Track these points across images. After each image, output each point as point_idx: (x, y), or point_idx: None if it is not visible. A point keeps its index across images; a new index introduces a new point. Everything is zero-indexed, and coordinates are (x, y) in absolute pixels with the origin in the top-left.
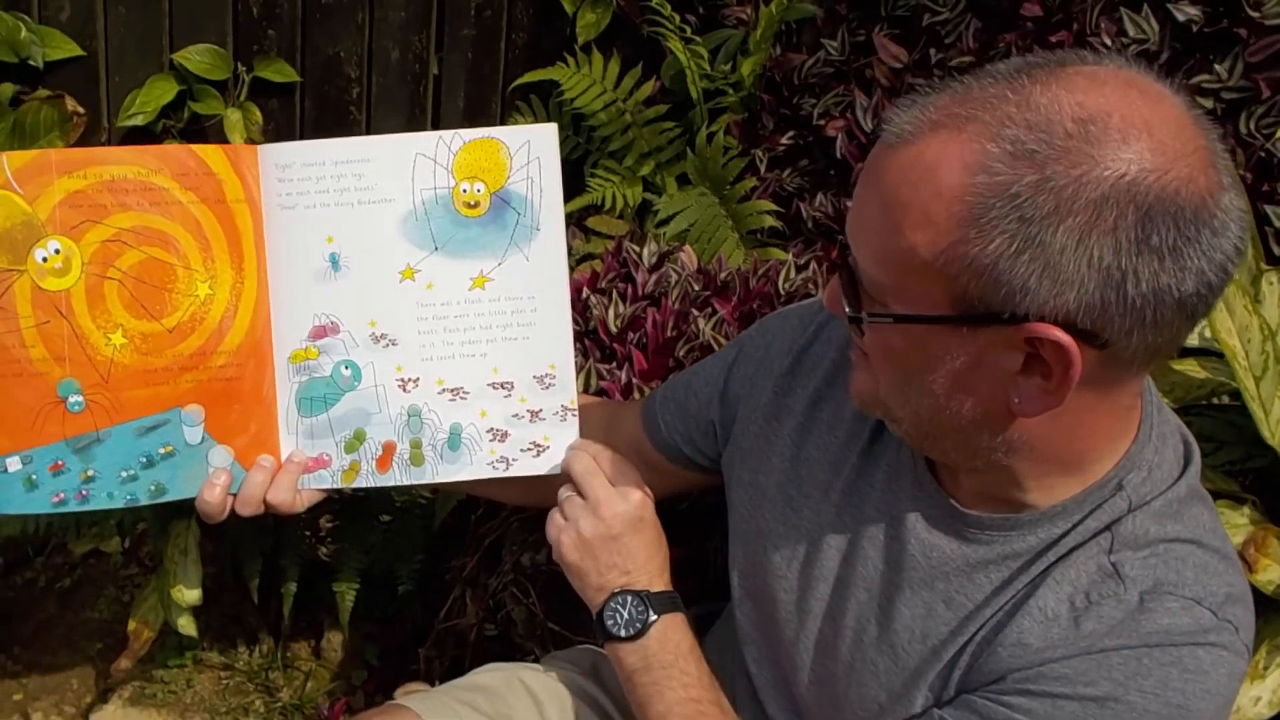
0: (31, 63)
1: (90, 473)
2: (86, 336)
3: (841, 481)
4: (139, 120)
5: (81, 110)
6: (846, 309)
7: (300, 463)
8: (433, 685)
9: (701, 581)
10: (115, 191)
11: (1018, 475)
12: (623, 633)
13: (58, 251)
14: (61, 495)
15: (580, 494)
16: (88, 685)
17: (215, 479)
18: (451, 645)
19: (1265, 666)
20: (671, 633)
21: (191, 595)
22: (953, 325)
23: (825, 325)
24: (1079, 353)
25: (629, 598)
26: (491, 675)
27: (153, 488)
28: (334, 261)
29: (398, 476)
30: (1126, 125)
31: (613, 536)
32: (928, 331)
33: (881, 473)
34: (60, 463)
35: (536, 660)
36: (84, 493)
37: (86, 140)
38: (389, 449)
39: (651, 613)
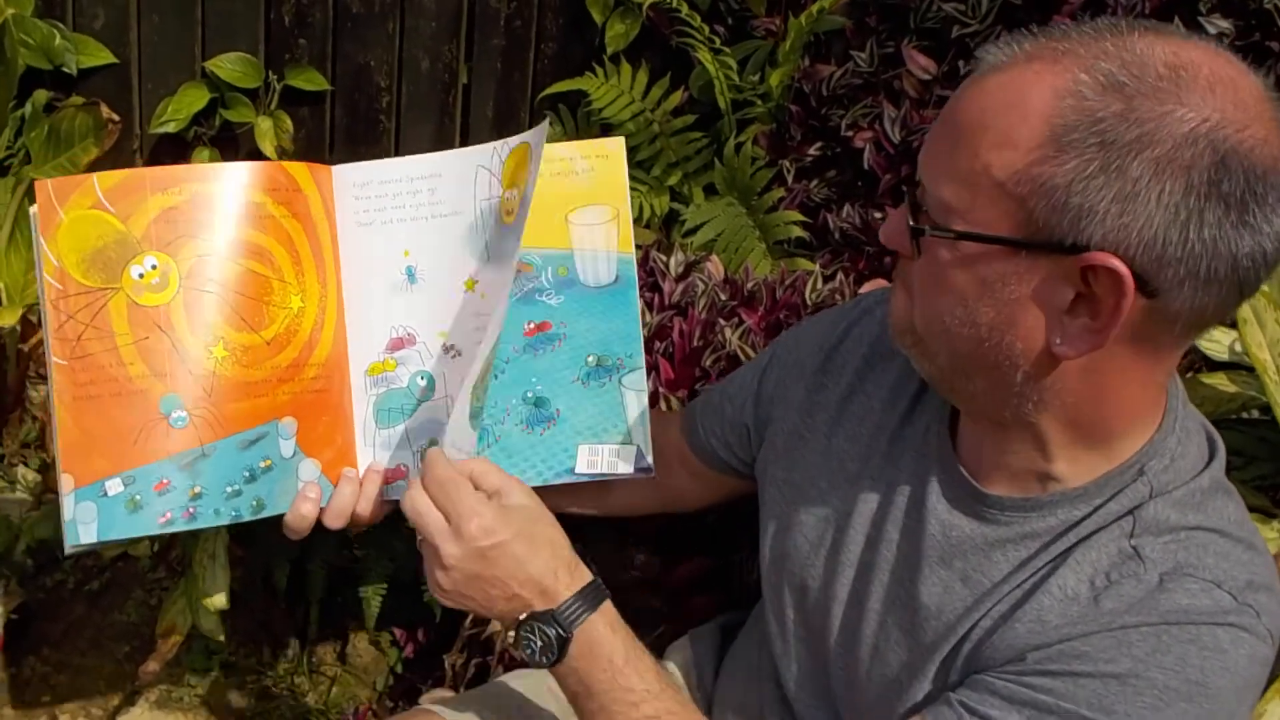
0: (65, 70)
1: (197, 489)
2: (187, 350)
3: (870, 469)
4: (171, 127)
5: (116, 117)
6: (910, 222)
7: (380, 473)
8: (458, 691)
9: (729, 592)
10: (209, 207)
11: (1044, 438)
12: (543, 661)
13: (154, 267)
14: (168, 515)
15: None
16: (115, 688)
17: (307, 492)
18: (477, 651)
19: None
20: (598, 647)
21: (219, 600)
22: (1012, 250)
23: (856, 323)
24: (1132, 285)
25: (534, 624)
26: (518, 682)
27: (254, 503)
28: (410, 274)
29: None
30: (1214, 78)
31: (470, 577)
32: (985, 255)
33: (908, 458)
34: (165, 481)
35: None
36: (191, 510)
37: (119, 147)
38: None
39: (561, 632)
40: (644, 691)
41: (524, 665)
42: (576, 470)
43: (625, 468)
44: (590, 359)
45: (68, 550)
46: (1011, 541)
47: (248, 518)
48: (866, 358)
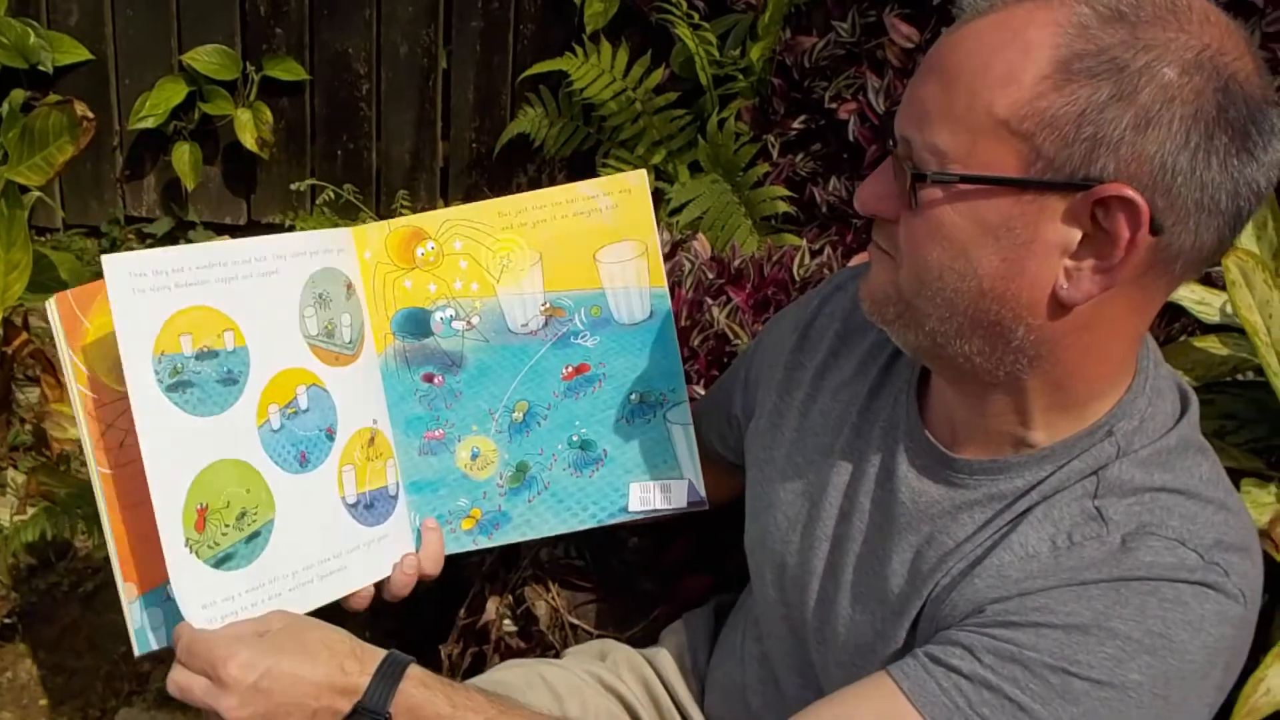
0: (41, 68)
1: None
2: None
3: (841, 442)
4: (149, 123)
5: (91, 115)
6: (909, 170)
7: (437, 529)
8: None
9: (723, 572)
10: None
11: (1028, 402)
12: None
13: None
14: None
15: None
16: (112, 688)
17: (405, 567)
18: (472, 641)
19: None
20: (420, 712)
21: None
22: (1018, 190)
23: (829, 299)
24: (1148, 216)
25: None
26: (512, 672)
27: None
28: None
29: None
30: (1206, 10)
31: (261, 715)
32: (989, 198)
33: (878, 428)
34: None
35: (557, 655)
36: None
37: (99, 144)
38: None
39: (379, 715)
40: None
41: (520, 655)
42: (630, 509)
43: (679, 502)
44: (634, 397)
45: (137, 655)
46: (978, 503)
47: (322, 603)
48: (839, 333)
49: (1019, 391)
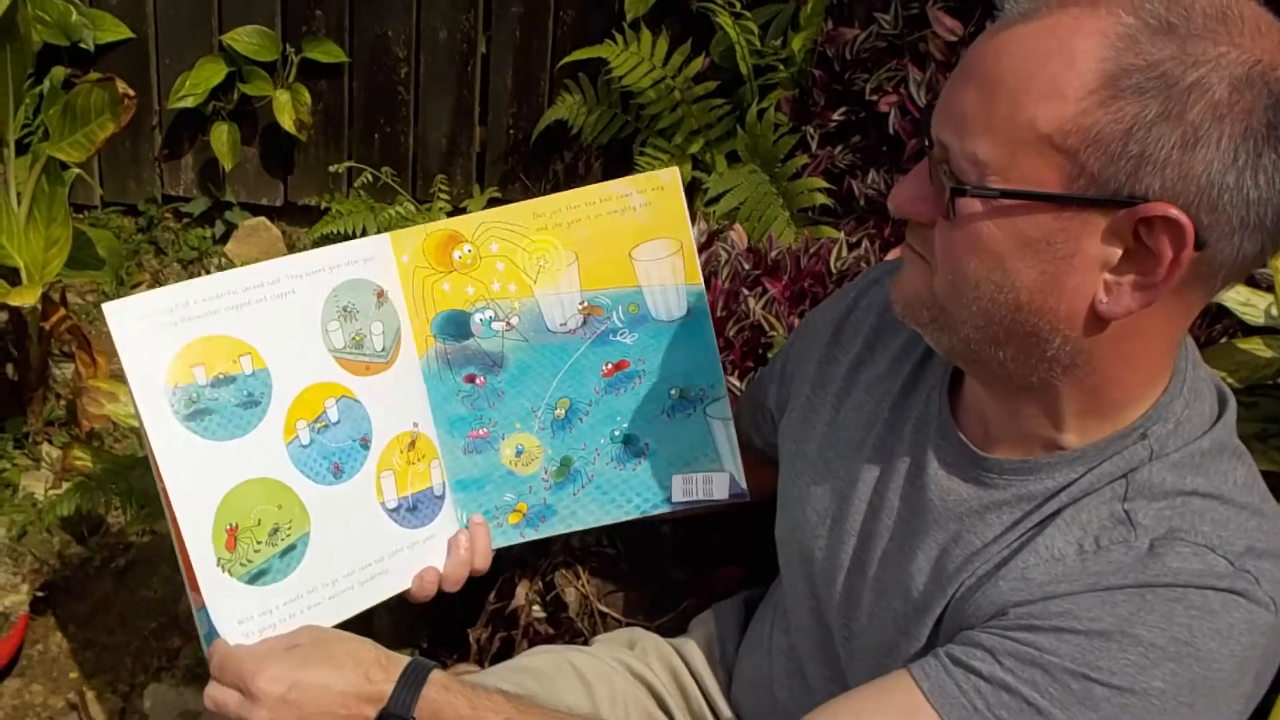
0: (83, 45)
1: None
2: None
3: (872, 438)
4: (189, 102)
5: (132, 93)
6: (948, 183)
7: (484, 524)
8: (483, 666)
9: (755, 564)
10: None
11: (1060, 406)
12: None
13: None
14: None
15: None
16: (142, 664)
17: (426, 573)
18: (501, 626)
19: None
20: (442, 715)
21: None
22: (1060, 206)
23: (865, 293)
24: (1193, 236)
25: None
26: (540, 658)
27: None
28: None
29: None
30: (1258, 20)
31: (286, 709)
32: (1029, 213)
33: (909, 425)
34: None
35: (586, 642)
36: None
37: (138, 122)
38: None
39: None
40: None
41: (548, 641)
42: (673, 500)
43: (720, 494)
44: (674, 392)
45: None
46: (1007, 504)
47: (363, 608)
48: (875, 328)
49: (1052, 396)
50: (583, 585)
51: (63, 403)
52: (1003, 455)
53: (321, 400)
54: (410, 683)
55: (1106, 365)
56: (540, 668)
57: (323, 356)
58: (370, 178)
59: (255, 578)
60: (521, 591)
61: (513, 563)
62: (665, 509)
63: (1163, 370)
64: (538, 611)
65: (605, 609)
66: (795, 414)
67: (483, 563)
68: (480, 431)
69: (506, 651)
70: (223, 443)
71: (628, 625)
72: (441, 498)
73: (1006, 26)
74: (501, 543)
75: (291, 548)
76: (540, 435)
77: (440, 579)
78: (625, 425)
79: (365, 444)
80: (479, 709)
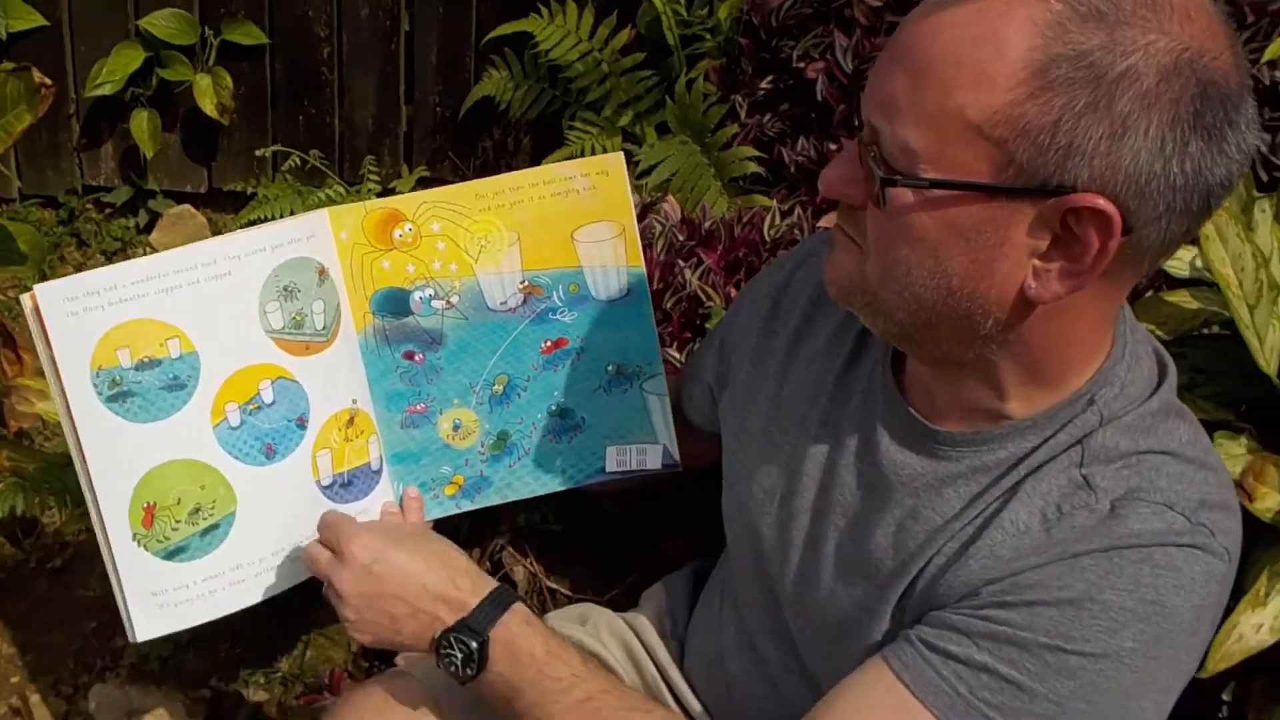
0: None
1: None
2: None
3: (817, 412)
4: (106, 90)
5: (49, 82)
6: (878, 172)
7: (419, 498)
8: None
9: (701, 535)
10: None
11: (1000, 378)
12: (467, 672)
13: None
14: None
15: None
16: (84, 664)
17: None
18: None
19: (1266, 594)
20: (516, 643)
21: None
22: (989, 195)
23: (801, 264)
24: (1120, 226)
25: (449, 637)
26: None
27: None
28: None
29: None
30: (1187, 4)
31: (369, 598)
32: (959, 201)
33: (855, 400)
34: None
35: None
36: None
37: (55, 112)
38: None
39: (478, 638)
40: (571, 677)
41: None
42: (607, 469)
43: (653, 464)
44: (610, 368)
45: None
46: (962, 476)
47: (295, 583)
48: (813, 299)
49: (991, 370)
50: (530, 563)
51: None
52: (952, 427)
53: (255, 382)
54: (495, 604)
55: (1040, 341)
56: None
57: (259, 338)
58: (298, 161)
59: (172, 554)
60: None
61: (460, 544)
62: (599, 479)
63: (1101, 341)
64: None
65: (554, 586)
66: (737, 389)
67: None
68: (418, 406)
69: None
70: (144, 424)
71: (577, 601)
72: (378, 472)
73: (936, 9)
74: (438, 513)
75: (214, 527)
76: (478, 410)
77: None
78: (562, 399)
79: (302, 424)
80: (551, 654)
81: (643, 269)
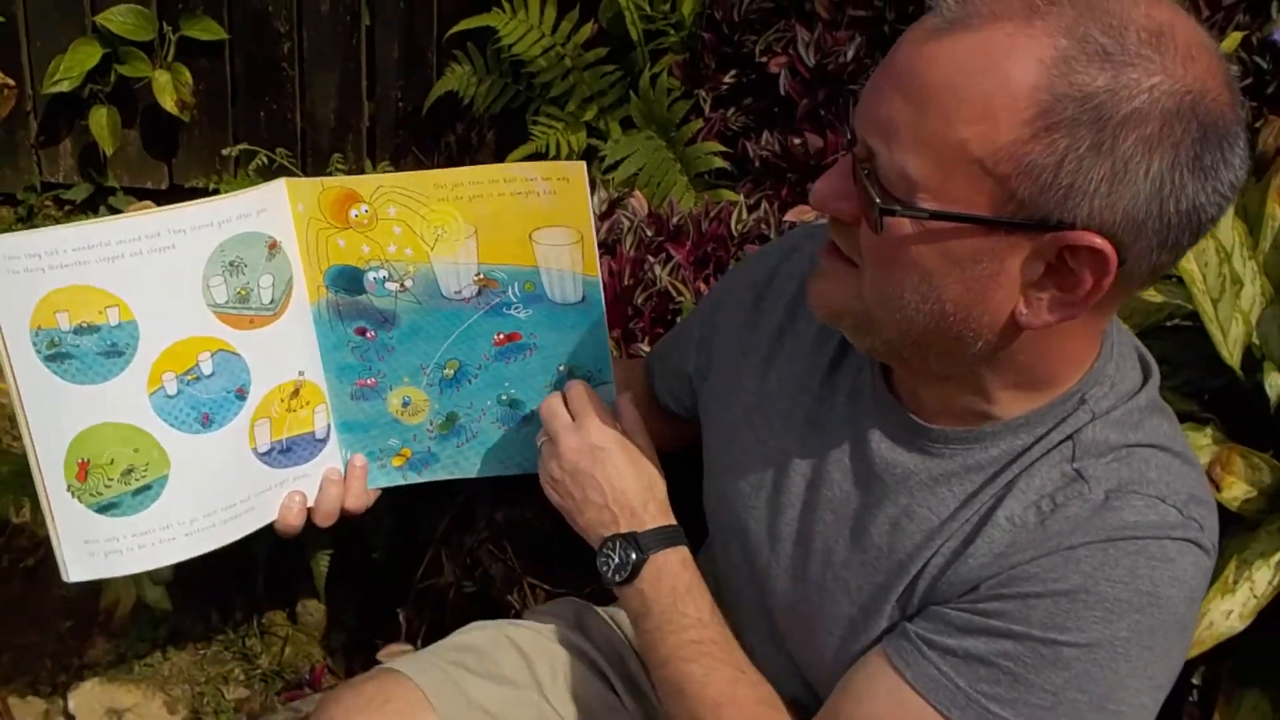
0: None
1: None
2: None
3: (802, 409)
4: (64, 86)
5: (11, 82)
6: (876, 199)
7: (364, 466)
8: (415, 645)
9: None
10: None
11: (987, 386)
12: (615, 578)
13: None
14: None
15: (547, 435)
16: (61, 664)
17: (292, 501)
18: (430, 604)
19: (1235, 581)
20: (666, 575)
21: (162, 570)
22: (988, 228)
23: (785, 260)
24: (1116, 263)
25: (617, 541)
26: (478, 634)
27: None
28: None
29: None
30: (1189, 42)
31: (578, 471)
32: (957, 234)
33: (842, 398)
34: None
35: (518, 615)
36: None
37: (11, 109)
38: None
39: (640, 554)
40: (696, 619)
41: (481, 615)
42: None
43: None
44: (562, 368)
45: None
46: (956, 475)
47: (228, 541)
48: (796, 295)
49: (979, 381)
50: (509, 559)
51: None
52: (941, 425)
53: (195, 354)
54: (666, 537)
55: (1028, 359)
56: (479, 644)
57: (201, 312)
58: (265, 160)
59: (104, 509)
60: (448, 569)
61: (438, 541)
62: None
63: (1090, 349)
64: (466, 587)
65: (534, 580)
66: (718, 381)
67: (355, 502)
68: (368, 380)
69: (437, 628)
70: (81, 386)
71: (556, 596)
72: (324, 440)
73: (937, 34)
74: (384, 483)
75: (146, 488)
76: (428, 390)
77: (311, 511)
78: (513, 391)
79: (241, 395)
80: (689, 594)
81: (598, 278)
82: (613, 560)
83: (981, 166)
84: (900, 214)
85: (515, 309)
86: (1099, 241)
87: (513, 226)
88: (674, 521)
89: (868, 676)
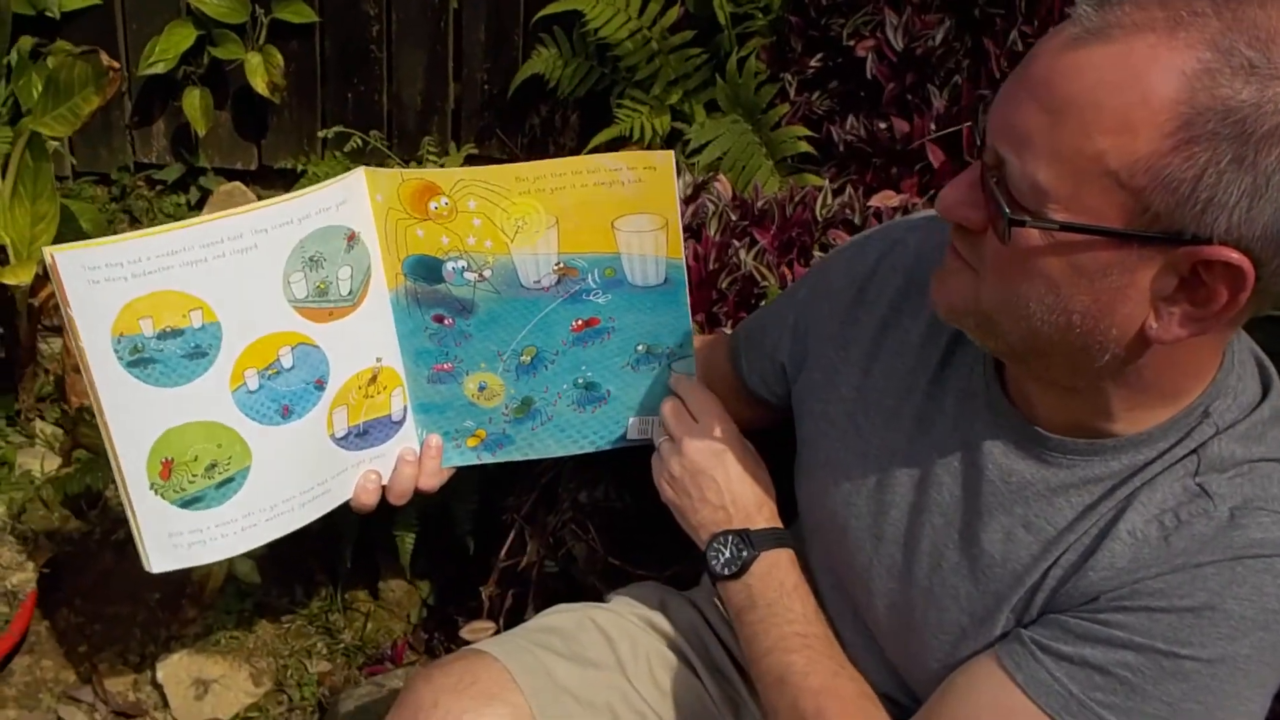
0: (48, 14)
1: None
2: None
3: (910, 407)
4: (159, 68)
5: (116, 65)
6: (1005, 208)
7: (438, 446)
8: (496, 623)
9: None
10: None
11: (1110, 402)
12: (725, 571)
13: None
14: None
15: (670, 435)
16: (150, 635)
17: (367, 482)
18: (512, 583)
19: None
20: (775, 571)
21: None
22: (1121, 241)
23: (888, 253)
24: (1253, 279)
25: (729, 536)
26: (563, 616)
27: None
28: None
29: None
30: None
31: (698, 471)
32: (1088, 246)
33: (951, 399)
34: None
35: (599, 595)
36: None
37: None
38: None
39: (751, 551)
40: (800, 616)
41: (562, 595)
42: (628, 436)
43: None
44: (640, 347)
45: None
46: (1074, 486)
47: (304, 524)
48: (901, 290)
49: (1100, 396)
50: (592, 540)
51: (52, 378)
52: (1062, 435)
53: (275, 349)
54: (777, 537)
55: (1153, 374)
56: (563, 626)
57: (281, 308)
58: (359, 142)
59: (189, 503)
60: (532, 548)
61: (522, 520)
62: (620, 445)
63: (1213, 363)
64: (549, 567)
65: (616, 562)
66: (816, 373)
67: (429, 481)
68: (445, 365)
69: (519, 608)
70: (164, 389)
71: (639, 578)
72: (399, 422)
73: (1076, 44)
74: (459, 462)
75: (229, 480)
76: (504, 376)
77: (385, 489)
78: (589, 374)
79: (320, 385)
80: (795, 591)
81: (682, 261)
82: (723, 554)
83: (1116, 179)
84: (1030, 224)
85: (595, 295)
86: (1235, 256)
87: (595, 216)
88: (780, 525)
89: (975, 678)
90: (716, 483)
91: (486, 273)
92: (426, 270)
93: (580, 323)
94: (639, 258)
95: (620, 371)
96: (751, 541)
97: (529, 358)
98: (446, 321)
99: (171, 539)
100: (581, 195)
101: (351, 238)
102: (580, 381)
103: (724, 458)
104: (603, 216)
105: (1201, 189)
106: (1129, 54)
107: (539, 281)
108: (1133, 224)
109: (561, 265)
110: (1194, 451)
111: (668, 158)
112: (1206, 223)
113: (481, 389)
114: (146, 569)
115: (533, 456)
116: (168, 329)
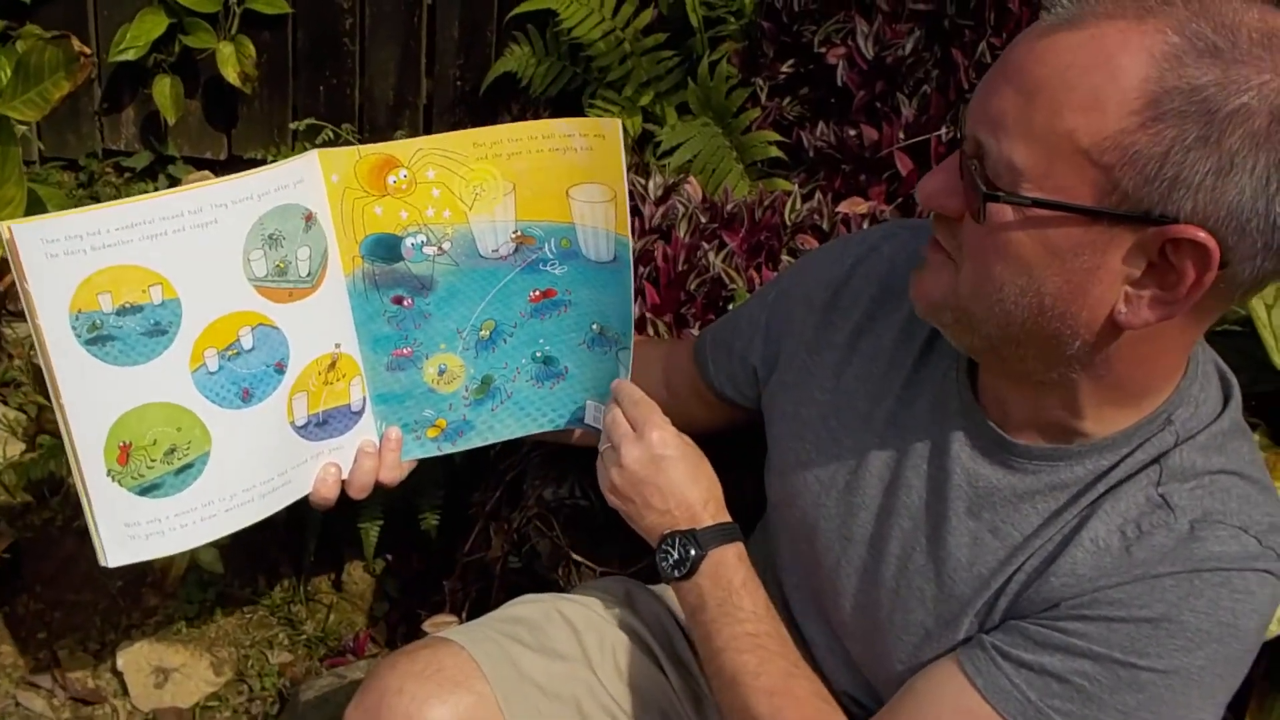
0: None
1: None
2: None
3: (883, 411)
4: (130, 55)
5: (88, 51)
6: (980, 186)
7: (399, 439)
8: (459, 616)
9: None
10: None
11: (1079, 398)
12: (675, 573)
13: None
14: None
15: (610, 444)
16: (111, 622)
17: (326, 474)
18: (476, 577)
19: None
20: (723, 569)
21: None
22: (1091, 219)
23: (863, 260)
24: (1218, 259)
25: (676, 538)
26: (530, 607)
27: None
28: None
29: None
30: None
31: (639, 481)
32: (1059, 222)
33: (924, 402)
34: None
35: (564, 590)
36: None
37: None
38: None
39: (699, 550)
40: (751, 613)
41: (525, 590)
42: (585, 421)
43: None
44: (595, 326)
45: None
46: (1040, 492)
47: (264, 516)
48: (875, 297)
49: (1071, 389)
50: (556, 536)
51: (16, 363)
52: (1027, 440)
53: (235, 329)
54: (725, 533)
55: (1123, 366)
56: (530, 616)
57: (241, 286)
58: (330, 135)
59: (146, 490)
60: (495, 543)
61: (486, 516)
62: (579, 427)
63: (1179, 364)
64: (512, 562)
65: (579, 558)
66: (789, 375)
67: (389, 475)
68: (404, 350)
69: (482, 602)
70: (123, 368)
71: (603, 574)
72: (359, 413)
73: (1050, 31)
74: (419, 454)
75: (188, 466)
76: (464, 355)
77: (345, 483)
78: (547, 348)
79: (280, 369)
80: (745, 588)
81: (629, 239)
82: (671, 556)
83: (1087, 156)
84: (1003, 199)
85: (551, 265)
86: (1202, 235)
87: (550, 183)
88: (730, 519)
89: (936, 681)
90: (660, 489)
91: (445, 245)
92: (385, 249)
93: (538, 293)
94: (591, 230)
95: (577, 349)
96: (698, 541)
97: (488, 332)
98: (406, 302)
99: (129, 529)
100: (537, 161)
101: (309, 218)
102: (538, 355)
103: (662, 464)
104: (558, 183)
105: (1168, 167)
106: (1100, 38)
107: (497, 250)
108: (1103, 202)
109: (519, 233)
110: (1156, 460)
111: (614, 125)
112: (1174, 201)
113: (441, 372)
114: (102, 563)
115: (492, 440)
116: (127, 304)
